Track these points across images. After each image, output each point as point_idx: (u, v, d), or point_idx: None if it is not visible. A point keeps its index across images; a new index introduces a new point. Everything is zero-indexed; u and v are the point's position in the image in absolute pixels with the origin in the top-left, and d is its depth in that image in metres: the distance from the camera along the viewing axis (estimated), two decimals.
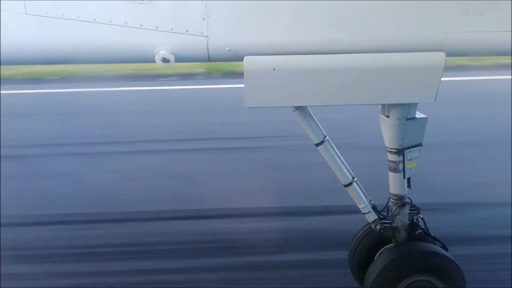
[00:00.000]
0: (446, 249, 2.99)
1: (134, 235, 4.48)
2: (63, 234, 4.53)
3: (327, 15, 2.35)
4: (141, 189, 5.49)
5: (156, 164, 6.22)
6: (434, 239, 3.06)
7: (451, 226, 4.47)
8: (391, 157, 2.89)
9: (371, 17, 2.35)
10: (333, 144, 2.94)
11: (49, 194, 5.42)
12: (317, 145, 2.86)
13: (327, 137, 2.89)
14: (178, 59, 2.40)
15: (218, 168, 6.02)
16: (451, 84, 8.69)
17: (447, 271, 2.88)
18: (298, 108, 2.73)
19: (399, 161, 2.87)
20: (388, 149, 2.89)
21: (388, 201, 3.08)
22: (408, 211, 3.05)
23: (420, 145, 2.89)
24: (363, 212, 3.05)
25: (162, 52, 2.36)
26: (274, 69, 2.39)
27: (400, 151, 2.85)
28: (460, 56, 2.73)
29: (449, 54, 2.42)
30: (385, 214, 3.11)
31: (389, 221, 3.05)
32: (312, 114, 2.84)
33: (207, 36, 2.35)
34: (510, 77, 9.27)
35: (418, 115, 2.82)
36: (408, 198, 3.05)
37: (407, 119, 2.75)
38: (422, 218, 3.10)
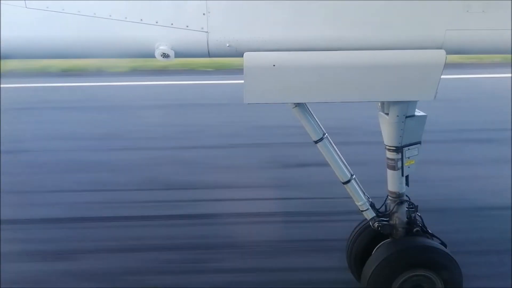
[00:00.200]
0: (445, 246, 3.01)
1: None
2: None
3: (328, 12, 2.34)
4: None
5: None
6: (432, 236, 3.08)
7: None
8: (390, 154, 2.90)
9: (372, 14, 2.35)
10: (332, 141, 2.94)
11: None
12: (316, 142, 2.87)
13: (326, 134, 2.90)
14: (178, 55, 2.40)
15: None
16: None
17: (445, 266, 2.90)
18: (297, 104, 2.74)
19: (398, 159, 2.88)
20: (387, 147, 2.90)
21: (386, 198, 3.09)
22: (406, 209, 3.06)
23: (419, 143, 2.90)
24: (361, 209, 3.05)
25: (162, 47, 2.36)
26: (274, 65, 2.39)
27: (398, 149, 2.85)
28: (461, 54, 2.73)
29: (450, 52, 2.42)
30: (383, 211, 3.12)
31: (387, 219, 3.07)
32: (311, 111, 2.84)
33: (207, 32, 2.34)
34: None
35: (418, 113, 2.82)
36: (406, 196, 3.05)
37: (406, 117, 2.76)
38: (420, 216, 3.12)
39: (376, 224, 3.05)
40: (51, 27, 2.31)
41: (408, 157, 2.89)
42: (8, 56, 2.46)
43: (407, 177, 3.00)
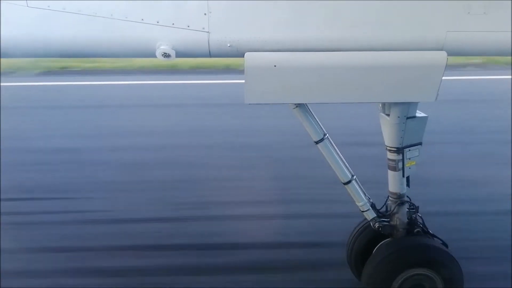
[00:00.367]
0: (446, 246, 3.00)
1: None
2: None
3: (329, 12, 2.34)
4: None
5: None
6: (433, 237, 3.07)
7: None
8: (391, 155, 2.89)
9: (373, 15, 2.35)
10: (332, 142, 2.93)
11: None
12: (316, 142, 2.86)
13: (327, 134, 2.89)
14: (179, 54, 2.40)
15: None
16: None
17: (446, 266, 2.89)
18: (298, 105, 2.73)
19: (399, 160, 2.87)
20: (388, 148, 2.89)
21: (387, 199, 3.09)
22: (407, 210, 3.06)
23: (420, 144, 2.90)
24: (361, 210, 3.05)
25: (163, 47, 2.35)
26: (275, 65, 2.38)
27: (399, 150, 2.85)
28: (462, 56, 2.72)
29: (451, 53, 2.41)
30: (384, 212, 3.12)
31: (388, 219, 3.06)
32: (312, 112, 2.83)
33: (208, 32, 2.34)
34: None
35: (419, 114, 2.81)
36: (407, 196, 3.05)
37: (407, 118, 2.75)
38: (420, 217, 3.11)
39: (376, 225, 3.05)
40: (52, 26, 2.31)
41: (409, 158, 2.89)
42: (9, 55, 2.46)
43: (408, 178, 3.00)
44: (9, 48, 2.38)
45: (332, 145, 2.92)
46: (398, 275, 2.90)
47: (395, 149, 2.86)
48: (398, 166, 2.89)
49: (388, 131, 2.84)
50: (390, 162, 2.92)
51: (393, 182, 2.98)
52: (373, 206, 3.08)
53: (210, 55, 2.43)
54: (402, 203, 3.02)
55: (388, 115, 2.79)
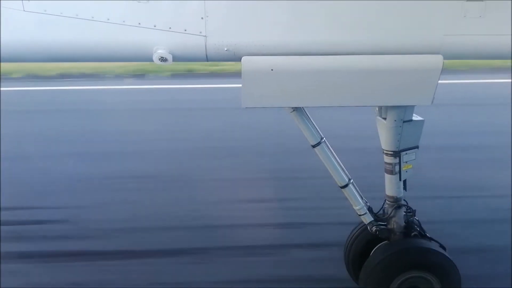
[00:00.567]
0: (444, 249, 3.00)
1: None
2: None
3: (326, 16, 2.35)
4: None
5: None
6: (431, 240, 3.07)
7: None
8: (388, 159, 2.90)
9: (370, 19, 2.35)
10: (329, 146, 2.94)
11: None
12: (313, 146, 2.86)
13: (324, 138, 2.89)
14: (176, 59, 2.40)
15: None
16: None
17: (443, 268, 2.89)
18: (295, 109, 2.74)
19: (396, 163, 2.88)
20: (385, 151, 2.90)
21: (384, 203, 3.09)
22: (404, 213, 3.06)
23: (417, 147, 2.90)
24: (358, 214, 3.05)
25: (160, 51, 2.36)
26: (272, 69, 2.39)
27: (396, 153, 2.85)
28: (459, 59, 2.73)
29: (448, 57, 2.42)
30: (381, 216, 3.12)
31: (385, 223, 3.06)
32: (309, 115, 2.84)
33: (205, 36, 2.34)
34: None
35: (415, 117, 2.82)
36: (404, 200, 3.05)
37: (404, 122, 2.76)
38: (417, 220, 3.11)
39: (374, 229, 3.05)
40: (49, 30, 2.31)
41: (406, 162, 2.89)
42: (7, 59, 2.46)
43: (404, 181, 3.00)
44: (7, 52, 2.38)
45: (329, 149, 2.92)
46: (395, 277, 2.89)
47: (392, 152, 2.86)
48: (395, 170, 2.90)
49: (384, 135, 2.85)
50: (387, 165, 2.92)
51: (390, 186, 2.99)
52: (370, 209, 3.08)
53: (207, 59, 2.44)
54: (399, 207, 3.02)
55: (384, 118, 2.80)
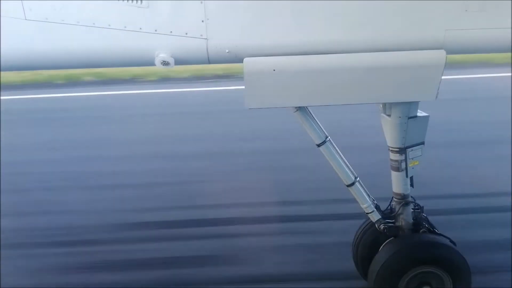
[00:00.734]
0: (454, 245, 2.96)
1: None
2: None
3: (327, 15, 2.34)
4: None
5: None
6: (440, 236, 3.04)
7: None
8: (393, 156, 2.88)
9: (371, 16, 2.35)
10: (334, 145, 2.92)
11: None
12: (318, 145, 2.85)
13: (329, 137, 2.88)
14: (178, 62, 2.40)
15: None
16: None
17: (452, 263, 2.86)
18: (299, 108, 2.73)
19: (402, 160, 2.86)
20: (390, 148, 2.88)
21: (391, 200, 3.07)
22: (412, 210, 3.04)
23: (423, 143, 2.88)
24: (366, 212, 3.03)
25: (162, 55, 2.36)
26: (274, 70, 2.39)
27: (402, 150, 2.83)
28: (461, 54, 2.72)
29: (450, 51, 2.41)
30: (388, 213, 3.10)
31: (393, 221, 3.04)
32: (313, 115, 2.83)
33: (206, 39, 2.34)
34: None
35: (420, 113, 2.80)
36: (411, 197, 3.03)
37: (409, 118, 2.74)
38: (426, 217, 3.09)
39: (382, 226, 3.03)
40: (51, 38, 2.32)
41: (412, 158, 2.87)
42: (8, 67, 2.47)
43: (411, 178, 2.98)
44: (8, 61, 2.39)
45: (334, 147, 2.91)
46: (405, 273, 2.86)
47: (397, 149, 2.84)
48: (401, 167, 2.88)
49: (389, 132, 2.83)
50: (393, 162, 2.90)
51: (397, 183, 2.97)
52: (377, 207, 3.06)
53: (209, 61, 2.44)
54: (406, 204, 3.00)
55: (389, 115, 2.78)
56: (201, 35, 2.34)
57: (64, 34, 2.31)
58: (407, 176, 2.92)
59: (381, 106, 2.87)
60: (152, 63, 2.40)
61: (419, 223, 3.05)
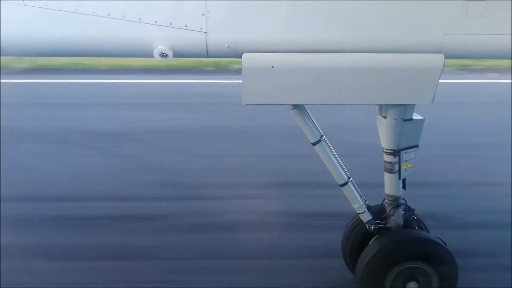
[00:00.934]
0: (445, 244, 2.97)
1: None
2: None
3: (327, 14, 2.34)
4: None
5: None
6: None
7: None
8: (387, 158, 2.90)
9: (371, 17, 2.35)
10: (329, 144, 2.94)
11: None
12: (313, 144, 2.86)
13: (324, 136, 2.89)
14: (177, 55, 2.40)
15: None
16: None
17: (441, 260, 2.87)
18: (295, 106, 2.73)
19: (395, 162, 2.88)
20: (384, 150, 2.89)
21: (383, 201, 3.09)
22: (403, 212, 3.06)
23: (417, 146, 2.90)
24: (357, 212, 3.05)
25: (161, 47, 2.35)
26: (272, 66, 2.39)
27: (396, 152, 2.85)
28: (460, 59, 2.73)
29: (449, 56, 2.42)
30: (379, 214, 3.12)
31: (384, 222, 3.06)
32: (309, 113, 2.84)
33: (206, 32, 2.34)
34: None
35: (415, 116, 2.82)
36: (403, 199, 3.05)
37: (404, 120, 2.76)
38: (416, 219, 3.11)
39: (372, 227, 3.05)
40: (49, 25, 2.31)
41: (406, 161, 2.89)
42: (7, 53, 2.46)
43: (404, 180, 3.00)
44: (7, 46, 2.38)
45: (329, 146, 2.92)
46: (392, 268, 2.87)
47: (391, 151, 2.86)
48: (394, 169, 2.90)
49: (384, 133, 2.84)
50: (387, 164, 2.92)
51: (389, 185, 2.99)
52: (369, 208, 3.08)
53: (207, 55, 2.43)
54: (398, 206, 3.02)
55: (385, 117, 2.79)
56: (201, 29, 2.33)
57: (63, 22, 2.29)
58: (399, 178, 2.94)
59: (377, 107, 2.88)
60: (150, 55, 2.40)
61: (410, 225, 3.07)
